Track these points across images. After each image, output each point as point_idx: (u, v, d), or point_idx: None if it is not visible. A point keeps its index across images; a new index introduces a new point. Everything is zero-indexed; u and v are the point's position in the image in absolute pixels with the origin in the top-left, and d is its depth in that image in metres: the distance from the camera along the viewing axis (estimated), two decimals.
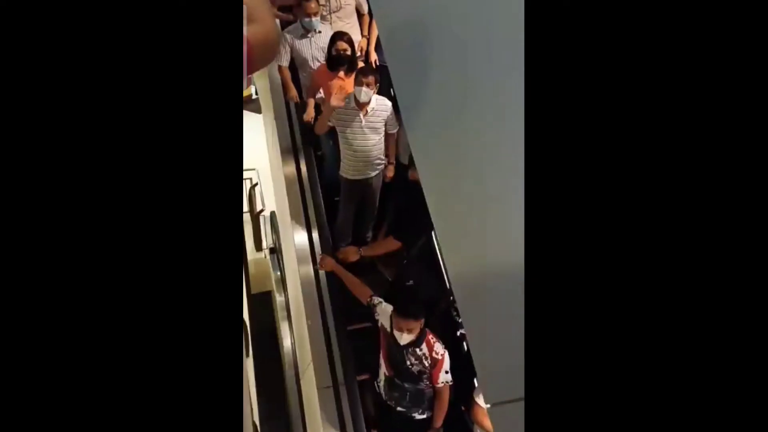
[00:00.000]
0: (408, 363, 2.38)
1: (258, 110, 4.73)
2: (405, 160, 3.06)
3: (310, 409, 3.24)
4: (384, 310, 2.44)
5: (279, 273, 4.52)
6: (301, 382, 3.63)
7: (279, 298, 4.45)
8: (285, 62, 3.38)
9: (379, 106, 2.90)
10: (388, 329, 2.38)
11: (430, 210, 1.36)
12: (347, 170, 3.03)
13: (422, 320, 2.33)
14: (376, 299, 2.52)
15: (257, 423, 4.13)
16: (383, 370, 2.51)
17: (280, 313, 4.39)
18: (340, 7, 3.50)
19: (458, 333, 2.73)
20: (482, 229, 1.17)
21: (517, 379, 0.85)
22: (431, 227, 2.94)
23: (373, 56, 3.59)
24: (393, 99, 2.95)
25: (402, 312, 2.31)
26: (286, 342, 4.29)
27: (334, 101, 2.81)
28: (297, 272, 3.27)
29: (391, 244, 2.79)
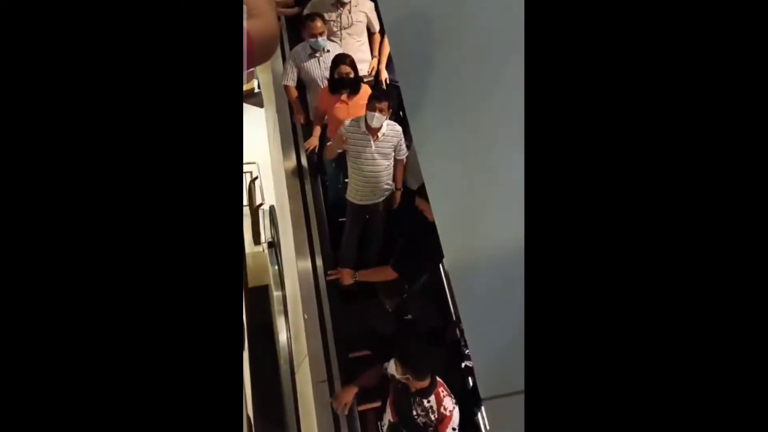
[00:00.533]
0: (414, 413, 2.32)
1: (260, 104, 4.73)
2: (414, 186, 3.01)
3: (305, 403, 3.24)
4: (392, 364, 2.40)
5: (277, 267, 4.52)
6: (296, 376, 3.63)
7: (276, 293, 4.45)
8: (291, 82, 3.32)
9: (390, 131, 2.86)
10: (396, 375, 2.34)
11: (430, 196, 1.36)
12: (354, 195, 2.99)
13: (419, 377, 2.25)
14: (386, 365, 2.46)
15: (251, 416, 4.13)
16: (388, 416, 2.47)
17: (277, 308, 4.40)
18: (351, 24, 3.43)
19: (463, 365, 2.69)
20: (481, 218, 1.17)
21: (514, 372, 0.85)
22: (437, 262, 2.94)
23: (384, 74, 3.54)
24: (404, 120, 2.93)
25: (404, 362, 2.26)
26: (282, 336, 4.29)
27: (336, 145, 2.85)
28: (295, 267, 3.27)
29: (387, 274, 2.73)
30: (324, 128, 3.27)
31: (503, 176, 1.07)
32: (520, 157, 0.80)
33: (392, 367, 2.37)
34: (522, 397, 0.80)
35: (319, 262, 3.12)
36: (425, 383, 2.27)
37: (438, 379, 2.33)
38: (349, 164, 2.96)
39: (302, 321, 3.00)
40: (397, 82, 3.37)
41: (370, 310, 2.84)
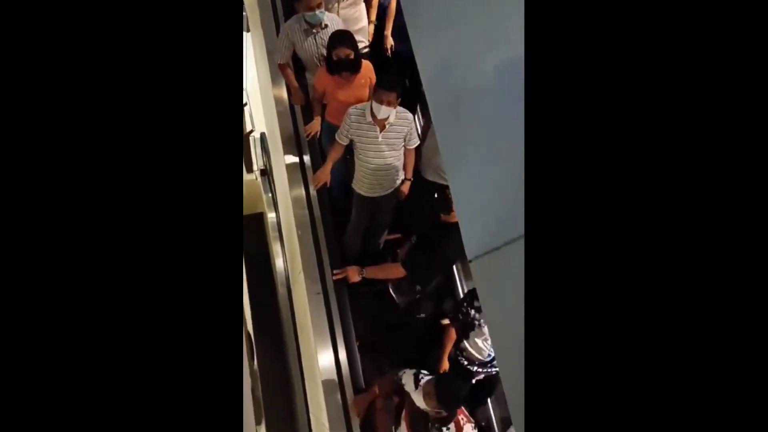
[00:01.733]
0: None
1: (245, 28, 4.61)
2: (429, 176, 2.87)
3: (301, 316, 3.42)
4: (408, 376, 2.33)
5: (270, 195, 4.61)
6: (293, 291, 3.78)
7: (271, 220, 4.56)
8: (284, 59, 3.07)
9: (399, 120, 2.61)
10: (412, 394, 2.27)
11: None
12: (360, 186, 2.81)
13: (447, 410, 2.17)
14: (401, 374, 2.39)
15: (251, 333, 4.36)
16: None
17: (272, 234, 4.52)
18: None
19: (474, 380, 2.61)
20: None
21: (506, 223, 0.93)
22: (450, 263, 2.81)
23: (389, 42, 3.32)
24: (419, 94, 2.72)
25: (439, 398, 2.13)
26: (278, 262, 4.44)
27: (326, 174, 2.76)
28: (288, 193, 3.33)
29: (395, 271, 2.60)
30: (323, 109, 3.06)
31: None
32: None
33: (406, 378, 2.32)
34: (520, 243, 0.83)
35: (312, 191, 3.14)
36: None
37: (460, 406, 2.26)
38: (355, 154, 2.74)
39: (296, 239, 3.11)
40: (405, 53, 3.14)
41: (378, 301, 2.81)
